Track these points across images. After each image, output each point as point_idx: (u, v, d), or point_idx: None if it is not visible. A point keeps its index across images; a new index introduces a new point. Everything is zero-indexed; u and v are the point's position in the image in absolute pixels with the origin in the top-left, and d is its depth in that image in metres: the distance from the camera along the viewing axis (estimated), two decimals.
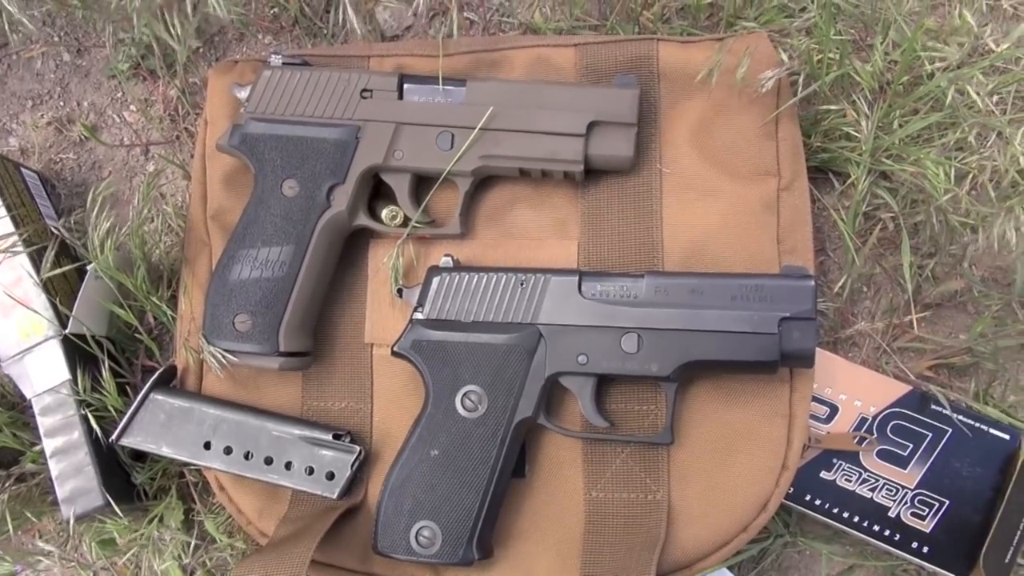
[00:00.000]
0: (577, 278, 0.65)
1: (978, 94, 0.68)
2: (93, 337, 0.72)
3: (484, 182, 0.71)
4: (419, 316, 0.66)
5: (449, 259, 0.67)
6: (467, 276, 0.66)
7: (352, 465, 0.67)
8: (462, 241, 0.70)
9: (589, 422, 0.66)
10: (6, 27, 0.73)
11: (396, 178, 0.70)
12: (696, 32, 0.76)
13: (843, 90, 0.72)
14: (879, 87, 0.72)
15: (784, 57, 0.68)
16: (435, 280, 0.67)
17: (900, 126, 0.70)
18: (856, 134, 0.70)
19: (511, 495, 0.67)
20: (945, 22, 0.75)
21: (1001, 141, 0.68)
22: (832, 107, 0.71)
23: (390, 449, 0.69)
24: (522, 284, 0.65)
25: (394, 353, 0.67)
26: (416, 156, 0.69)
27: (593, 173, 0.69)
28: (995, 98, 0.74)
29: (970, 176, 0.69)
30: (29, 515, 0.73)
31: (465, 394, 0.65)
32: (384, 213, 0.71)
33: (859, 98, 0.69)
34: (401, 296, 0.68)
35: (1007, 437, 0.69)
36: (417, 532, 0.64)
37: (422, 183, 0.70)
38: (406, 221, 0.70)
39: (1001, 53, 0.74)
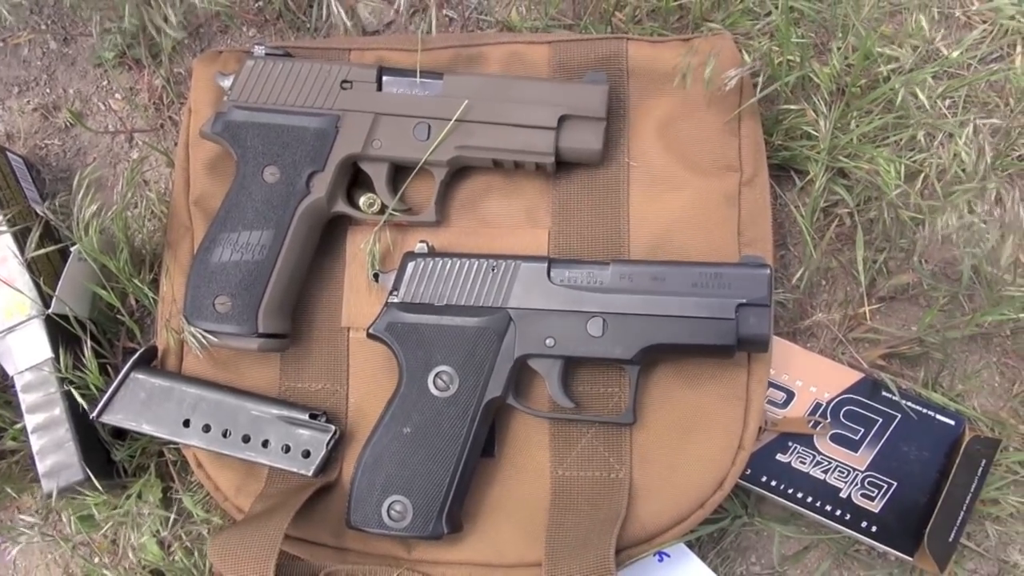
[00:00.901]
0: (546, 265, 0.68)
1: (928, 97, 0.71)
2: (76, 318, 0.73)
3: (459, 172, 0.74)
4: (394, 300, 0.69)
5: (424, 245, 0.70)
6: (441, 261, 0.69)
7: (327, 444, 0.69)
8: (437, 228, 0.73)
9: (556, 403, 0.68)
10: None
11: (374, 167, 0.72)
12: (665, 33, 0.79)
13: (803, 91, 0.76)
14: (837, 89, 0.76)
15: (747, 58, 0.72)
16: (410, 265, 0.69)
17: (856, 126, 0.74)
18: (815, 133, 0.73)
19: (480, 473, 0.70)
20: (901, 28, 0.78)
21: (949, 141, 0.72)
22: (793, 107, 0.74)
23: (365, 429, 0.71)
24: (493, 270, 0.68)
25: (369, 335, 0.69)
26: (393, 146, 0.71)
27: (564, 165, 0.72)
28: (947, 101, 0.78)
29: (922, 175, 0.73)
30: (10, 491, 0.75)
31: (437, 374, 0.67)
32: (362, 200, 0.73)
33: (818, 99, 0.72)
34: (377, 281, 0.71)
35: (952, 423, 0.72)
36: (389, 507, 0.66)
37: (399, 172, 0.73)
38: (383, 208, 0.72)
39: (952, 58, 0.77)
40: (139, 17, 0.76)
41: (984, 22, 0.81)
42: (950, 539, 0.70)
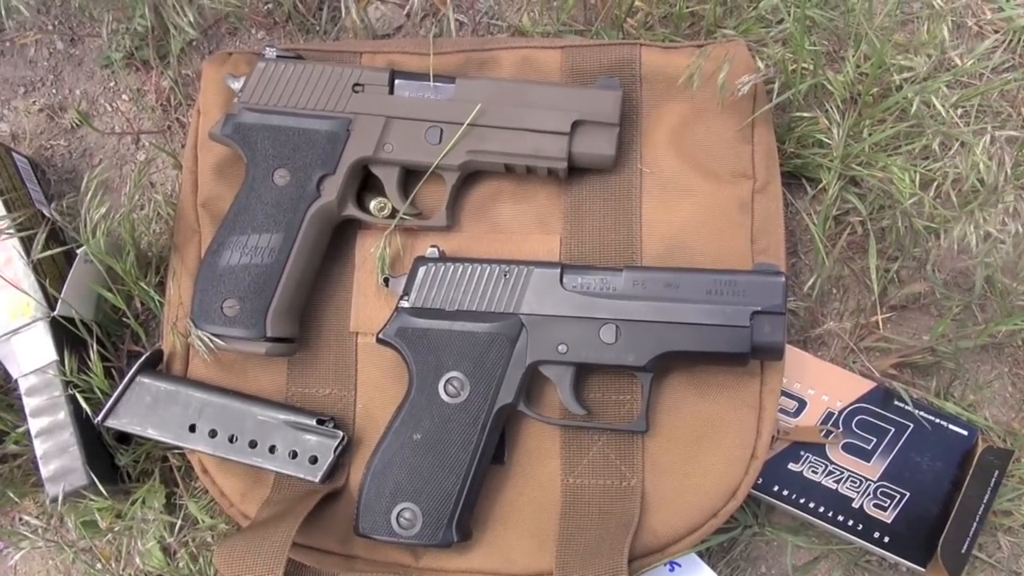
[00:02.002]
0: (559, 270, 0.67)
1: (942, 106, 0.71)
2: (81, 321, 0.73)
3: (470, 176, 0.73)
4: (404, 304, 0.68)
5: (435, 250, 0.69)
6: (452, 266, 0.68)
7: (335, 450, 0.68)
8: (448, 233, 0.72)
9: (567, 410, 0.68)
10: (2, 12, 0.74)
11: (385, 170, 0.72)
12: (677, 39, 0.79)
13: (816, 99, 0.76)
14: (850, 97, 0.76)
15: (760, 65, 0.71)
16: (421, 270, 0.69)
17: (869, 134, 0.73)
18: (828, 141, 0.73)
19: (490, 481, 0.69)
20: (913, 37, 0.78)
21: (964, 150, 0.71)
22: (806, 115, 0.74)
23: (372, 435, 0.70)
24: (505, 275, 0.68)
25: (379, 340, 0.68)
26: (405, 149, 0.71)
27: (576, 170, 0.72)
28: (960, 111, 0.78)
29: (935, 183, 0.73)
30: (12, 495, 0.74)
31: (448, 380, 0.66)
32: (372, 204, 0.72)
33: (831, 107, 0.72)
34: (387, 285, 0.70)
35: (965, 433, 0.72)
36: (398, 514, 0.65)
37: (410, 176, 0.72)
38: (394, 213, 0.72)
39: (965, 68, 0.77)
40: (152, 17, 0.76)
41: (996, 31, 0.81)
42: (963, 550, 0.70)
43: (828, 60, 0.79)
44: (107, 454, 0.74)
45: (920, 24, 0.79)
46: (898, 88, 0.75)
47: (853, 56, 0.74)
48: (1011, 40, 0.81)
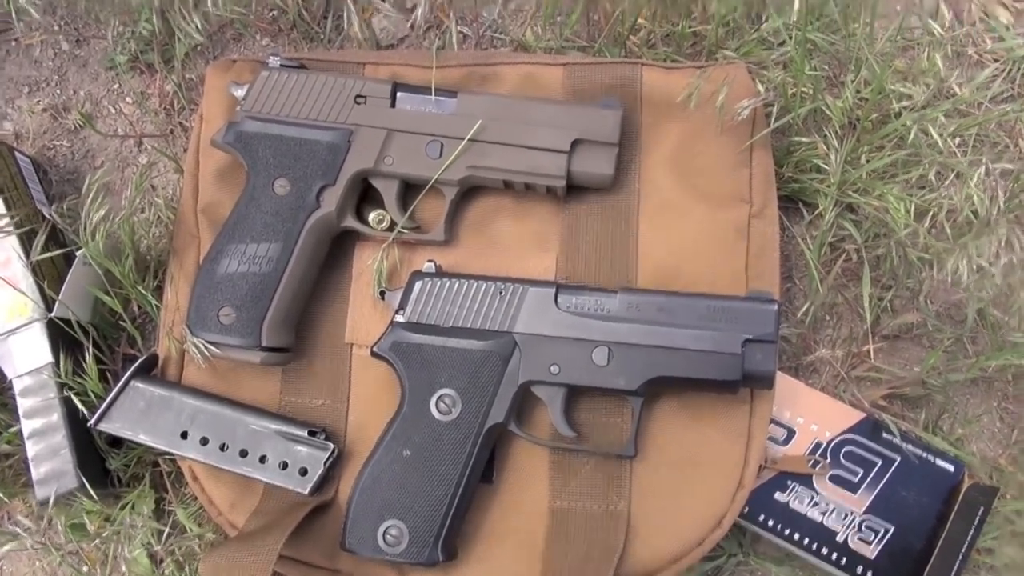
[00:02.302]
0: (554, 290, 0.67)
1: (940, 135, 0.71)
2: (77, 323, 0.73)
3: (469, 192, 0.73)
4: (400, 319, 0.69)
5: (432, 265, 0.70)
6: (448, 282, 0.68)
7: (325, 462, 0.69)
8: (445, 248, 0.73)
9: (557, 432, 0.68)
10: (13, 14, 0.74)
11: (385, 183, 0.72)
12: (679, 59, 0.79)
13: (815, 124, 0.76)
14: (849, 123, 0.76)
15: (760, 88, 0.71)
16: (417, 284, 0.69)
17: (867, 161, 0.74)
18: (825, 167, 0.73)
19: (478, 500, 0.69)
20: (913, 64, 0.79)
21: (959, 181, 0.72)
22: (804, 139, 0.74)
23: (363, 448, 0.70)
24: (500, 293, 0.68)
25: (373, 354, 0.69)
26: (405, 163, 0.71)
27: (574, 189, 0.72)
28: (957, 140, 0.78)
29: (930, 213, 0.73)
30: (1, 495, 0.74)
31: (440, 397, 0.67)
32: (371, 217, 0.73)
33: (830, 132, 0.72)
34: (383, 298, 0.71)
35: (952, 469, 0.72)
36: (385, 531, 0.65)
37: (409, 189, 0.73)
38: (392, 225, 0.72)
39: (963, 97, 0.77)
40: (158, 22, 0.76)
41: (996, 60, 0.81)
42: None
43: (828, 85, 0.80)
44: (99, 458, 0.74)
45: (920, 51, 0.79)
46: (897, 115, 0.75)
47: (853, 81, 0.74)
48: (1010, 70, 0.81)
